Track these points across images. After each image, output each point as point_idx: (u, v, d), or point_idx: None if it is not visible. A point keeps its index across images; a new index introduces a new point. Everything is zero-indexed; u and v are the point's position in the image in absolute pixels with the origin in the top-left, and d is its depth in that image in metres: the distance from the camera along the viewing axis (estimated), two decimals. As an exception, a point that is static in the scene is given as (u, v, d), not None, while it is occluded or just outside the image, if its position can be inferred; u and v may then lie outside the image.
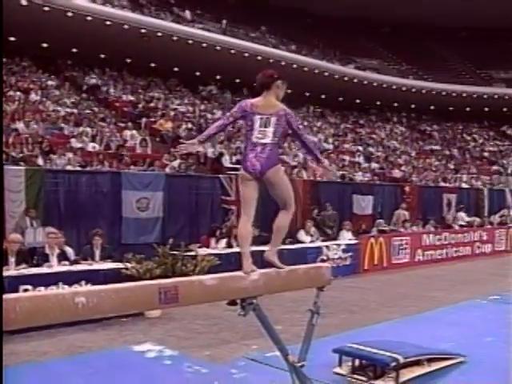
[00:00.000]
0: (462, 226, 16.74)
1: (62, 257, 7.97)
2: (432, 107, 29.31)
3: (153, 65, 21.13)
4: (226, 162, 15.13)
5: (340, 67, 25.63)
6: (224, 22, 22.53)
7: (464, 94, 28.21)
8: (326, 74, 24.09)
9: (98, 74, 19.72)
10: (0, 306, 2.51)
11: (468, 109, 29.35)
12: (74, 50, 19.11)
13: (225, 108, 21.31)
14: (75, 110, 15.83)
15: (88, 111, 16.26)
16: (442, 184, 19.95)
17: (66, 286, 7.02)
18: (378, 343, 5.30)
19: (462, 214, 17.46)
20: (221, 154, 15.36)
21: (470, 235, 15.73)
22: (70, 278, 7.29)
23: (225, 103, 22.10)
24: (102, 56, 19.88)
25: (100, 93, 18.47)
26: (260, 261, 3.91)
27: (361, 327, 6.94)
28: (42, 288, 6.84)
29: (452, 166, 24.05)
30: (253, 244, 3.87)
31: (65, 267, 7.71)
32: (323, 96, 25.07)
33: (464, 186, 20.56)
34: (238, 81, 23.35)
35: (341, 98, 26.97)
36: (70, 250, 8.27)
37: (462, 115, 29.93)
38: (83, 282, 7.27)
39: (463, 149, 27.66)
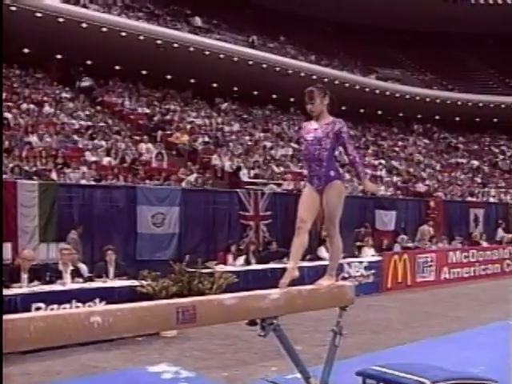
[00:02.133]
0: (497, 241, 16.59)
1: (76, 274, 7.92)
2: (457, 118, 28.77)
3: (169, 76, 20.96)
4: (244, 176, 15.01)
5: (361, 78, 25.30)
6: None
7: (491, 105, 27.63)
8: (347, 84, 23.70)
9: (112, 85, 19.61)
10: (0, 325, 2.49)
11: (495, 120, 28.75)
12: (89, 62, 19.06)
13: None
14: (90, 123, 15.74)
15: (103, 124, 16.16)
16: (469, 198, 19.65)
17: (79, 304, 7.03)
18: (403, 366, 4.92)
19: (500, 230, 17.33)
20: (238, 168, 15.14)
21: (499, 252, 15.40)
22: (84, 296, 7.24)
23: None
24: (117, 68, 19.78)
25: (114, 105, 18.34)
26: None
27: (385, 348, 6.83)
28: (55, 306, 6.85)
29: (479, 180, 23.57)
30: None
31: (78, 284, 7.66)
32: (344, 107, 24.50)
33: (492, 200, 20.20)
34: (255, 93, 23.04)
35: (362, 110, 26.54)
36: (83, 267, 8.24)
37: (489, 126, 29.36)
38: (97, 300, 7.26)
39: (491, 162, 27.12)
